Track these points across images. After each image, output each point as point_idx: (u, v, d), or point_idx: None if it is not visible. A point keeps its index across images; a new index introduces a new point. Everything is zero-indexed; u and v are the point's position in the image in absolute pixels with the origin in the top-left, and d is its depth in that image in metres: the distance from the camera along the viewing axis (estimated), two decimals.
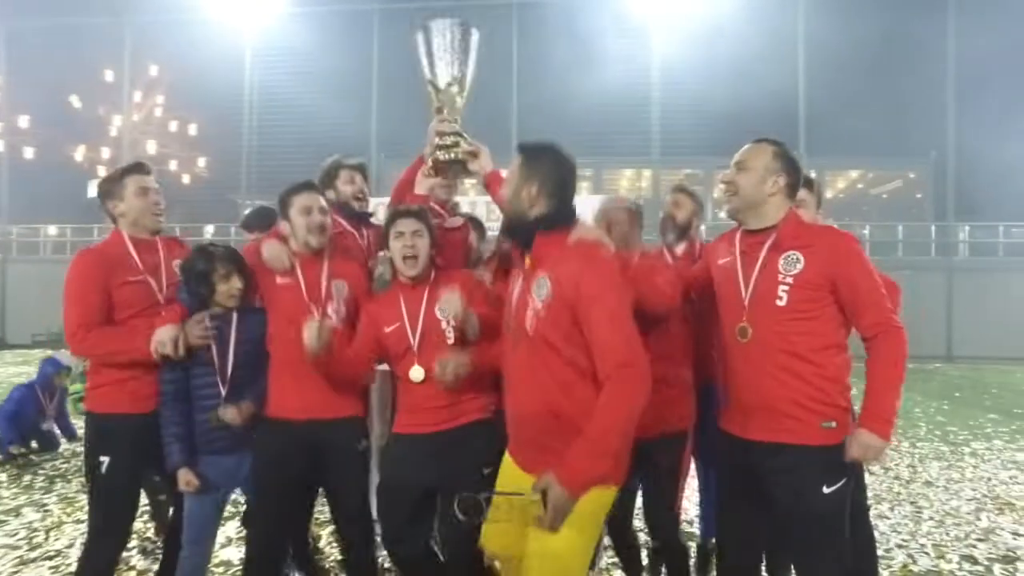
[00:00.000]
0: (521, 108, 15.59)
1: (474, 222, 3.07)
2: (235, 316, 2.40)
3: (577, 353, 1.78)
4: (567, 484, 1.69)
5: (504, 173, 2.11)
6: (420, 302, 2.35)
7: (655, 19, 16.09)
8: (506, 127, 15.29)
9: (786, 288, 1.97)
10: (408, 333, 2.32)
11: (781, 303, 1.97)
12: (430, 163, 2.48)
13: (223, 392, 2.37)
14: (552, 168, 1.89)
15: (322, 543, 3.50)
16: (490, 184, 2.37)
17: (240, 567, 2.85)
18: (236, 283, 2.38)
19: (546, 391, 1.82)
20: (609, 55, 15.72)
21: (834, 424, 1.95)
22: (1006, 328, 14.10)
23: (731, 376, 2.10)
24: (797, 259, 1.98)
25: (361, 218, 2.97)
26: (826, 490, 1.92)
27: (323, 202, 2.51)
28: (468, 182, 3.10)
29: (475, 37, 2.41)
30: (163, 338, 2.26)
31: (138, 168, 2.49)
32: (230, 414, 2.34)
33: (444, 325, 2.31)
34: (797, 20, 15.42)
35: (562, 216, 1.89)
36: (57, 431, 5.77)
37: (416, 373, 2.29)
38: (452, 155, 2.42)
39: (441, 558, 2.40)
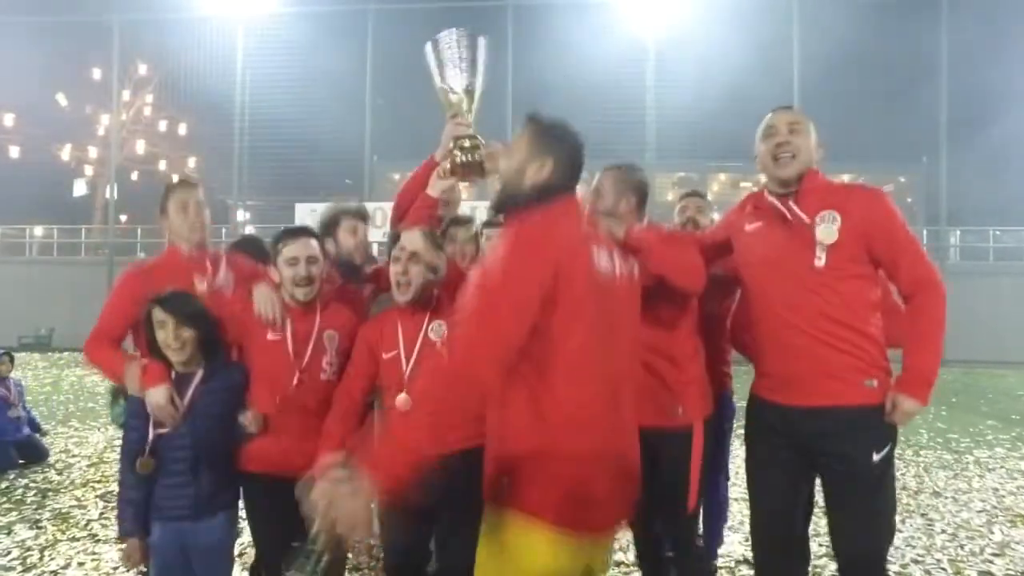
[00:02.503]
0: (516, 111, 15.50)
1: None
2: (199, 374, 2.20)
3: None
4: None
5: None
6: (419, 329, 2.25)
7: (650, 23, 16.08)
8: (501, 130, 15.21)
9: (824, 248, 1.94)
10: (402, 362, 2.24)
11: (820, 263, 1.94)
12: (448, 165, 2.46)
13: (183, 462, 2.17)
14: (566, 149, 1.69)
15: None
16: None
17: None
18: (175, 335, 2.12)
19: None
20: (604, 59, 15.69)
21: (875, 383, 1.93)
22: (996, 332, 14.21)
23: (770, 342, 2.05)
24: (833, 218, 1.95)
25: (359, 272, 2.84)
26: (875, 456, 1.90)
27: (314, 250, 2.36)
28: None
29: (482, 44, 2.43)
30: (159, 401, 2.11)
31: (180, 185, 2.56)
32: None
33: (440, 348, 2.22)
34: (791, 26, 15.46)
35: (555, 194, 1.65)
36: (36, 434, 5.62)
37: (402, 401, 2.20)
38: (471, 157, 2.40)
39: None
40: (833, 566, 2.80)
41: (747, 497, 2.24)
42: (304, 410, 2.28)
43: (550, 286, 1.48)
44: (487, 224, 2.92)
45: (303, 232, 2.40)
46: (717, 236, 2.32)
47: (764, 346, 2.09)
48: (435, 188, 2.55)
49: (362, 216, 2.90)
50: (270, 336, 2.30)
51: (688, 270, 2.07)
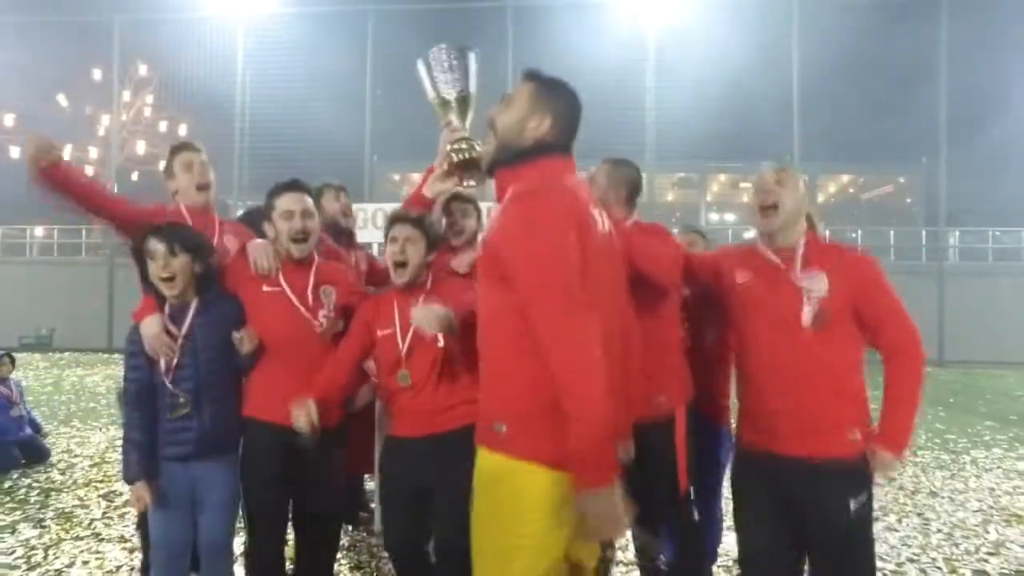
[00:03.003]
0: None
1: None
2: (193, 306, 2.20)
3: (494, 294, 1.59)
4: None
5: None
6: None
7: (650, 24, 16.11)
8: None
9: (812, 308, 1.97)
10: (398, 340, 2.31)
11: (807, 322, 1.97)
12: (445, 165, 2.55)
13: (185, 394, 2.17)
14: (567, 106, 1.68)
15: None
16: None
17: None
18: (168, 266, 2.13)
19: (480, 338, 1.67)
20: (604, 60, 15.70)
21: (858, 435, 1.98)
22: (996, 333, 14.25)
23: (756, 394, 2.08)
24: (823, 279, 1.99)
25: (350, 236, 3.04)
26: (852, 505, 1.93)
27: (309, 203, 2.44)
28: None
29: (473, 57, 2.50)
30: (152, 330, 2.15)
31: (185, 146, 2.66)
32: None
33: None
34: (791, 27, 15.49)
35: (553, 150, 1.65)
36: (36, 434, 5.65)
37: (403, 379, 2.30)
38: (466, 155, 2.47)
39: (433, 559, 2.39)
40: None
41: None
42: (300, 359, 2.32)
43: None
44: (455, 198, 2.99)
45: (296, 186, 2.44)
46: (707, 261, 2.32)
47: (750, 396, 2.11)
48: (431, 189, 2.64)
49: (343, 188, 3.10)
50: (266, 288, 2.35)
51: (663, 261, 2.15)
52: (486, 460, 1.62)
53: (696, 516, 2.70)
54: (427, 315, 2.12)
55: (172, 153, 2.65)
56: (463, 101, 2.49)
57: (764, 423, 2.05)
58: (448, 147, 2.52)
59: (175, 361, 2.18)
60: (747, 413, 2.14)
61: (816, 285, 1.98)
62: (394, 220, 2.39)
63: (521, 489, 1.52)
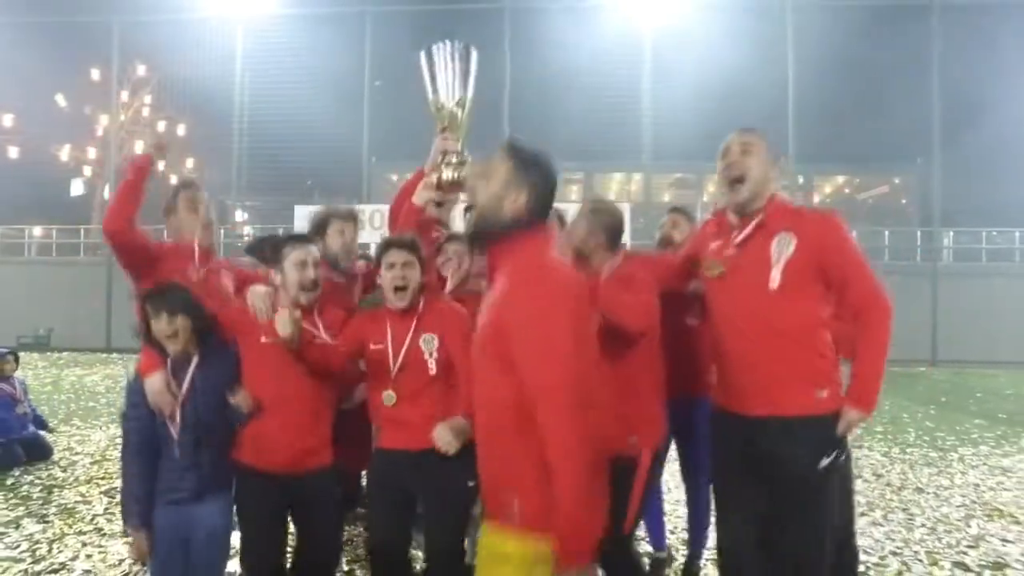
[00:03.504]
0: (513, 112, 15.63)
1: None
2: (195, 359, 2.29)
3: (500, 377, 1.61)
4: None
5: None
6: (407, 331, 2.42)
7: (646, 26, 16.22)
8: (498, 131, 15.32)
9: (779, 270, 2.03)
10: (390, 358, 2.40)
11: (774, 285, 2.03)
12: (435, 180, 2.58)
13: (179, 440, 2.26)
14: (543, 180, 1.70)
15: None
16: None
17: None
18: (171, 325, 2.24)
19: (480, 412, 1.71)
20: (600, 61, 15.83)
21: (825, 393, 2.03)
22: (989, 332, 14.38)
23: (727, 355, 2.15)
24: (788, 241, 2.04)
25: (347, 273, 3.01)
26: (822, 462, 1.98)
27: (317, 256, 2.51)
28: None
29: (474, 57, 2.53)
30: (156, 387, 2.21)
31: (189, 185, 2.75)
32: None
33: (426, 356, 2.39)
34: (786, 29, 15.62)
35: (532, 223, 1.69)
36: (41, 433, 5.70)
37: (388, 398, 2.41)
38: (457, 175, 2.53)
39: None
40: None
41: None
42: (297, 407, 2.39)
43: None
44: (450, 239, 3.00)
45: (308, 239, 2.58)
46: (689, 252, 2.42)
47: (722, 358, 2.18)
48: (419, 197, 2.66)
49: (352, 218, 3.04)
50: (264, 340, 2.37)
51: (634, 314, 2.17)
52: (487, 535, 1.66)
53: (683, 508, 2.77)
54: (446, 437, 2.24)
55: (177, 191, 2.73)
56: (460, 106, 2.55)
57: (735, 385, 2.13)
58: (440, 159, 2.57)
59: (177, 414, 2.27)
60: (720, 377, 2.21)
61: (783, 248, 2.03)
62: (390, 245, 2.44)
63: (530, 555, 1.58)
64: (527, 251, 1.66)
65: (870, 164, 22.95)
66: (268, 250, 2.52)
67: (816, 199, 24.91)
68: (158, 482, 2.27)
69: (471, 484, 2.22)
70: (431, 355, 2.38)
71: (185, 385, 2.27)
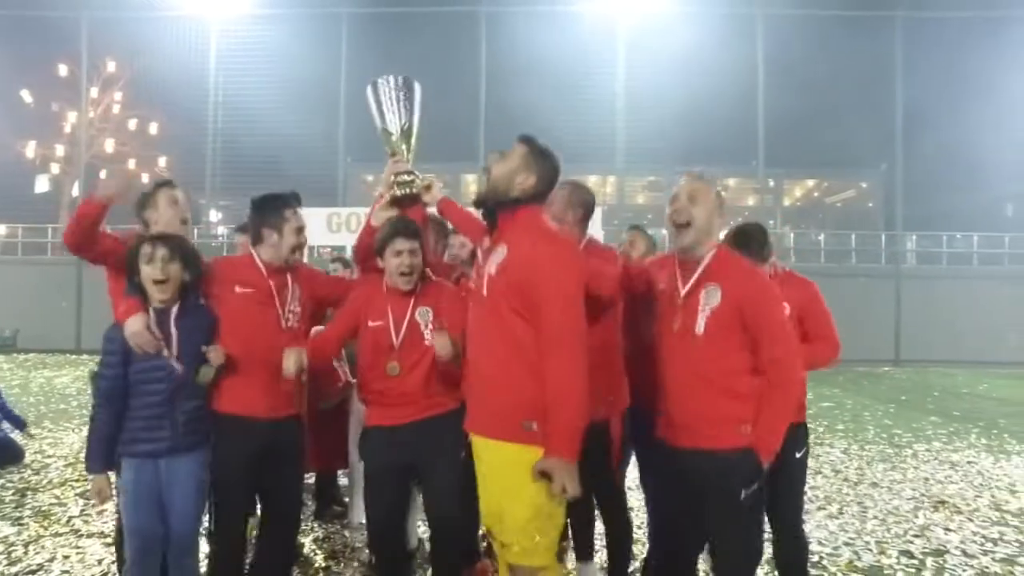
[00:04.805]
0: (489, 116, 15.73)
1: (435, 222, 3.20)
2: (174, 311, 2.37)
3: (520, 320, 2.01)
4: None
5: (472, 187, 2.40)
6: (406, 309, 2.61)
7: (620, 32, 16.47)
8: (474, 134, 15.41)
9: (704, 318, 2.16)
10: (392, 333, 2.58)
11: (699, 331, 2.16)
12: (388, 198, 2.78)
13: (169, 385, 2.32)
14: (550, 171, 2.14)
15: (305, 550, 3.61)
16: (443, 210, 2.81)
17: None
18: (164, 271, 2.30)
19: (493, 350, 2.05)
20: (575, 65, 16.04)
21: (748, 429, 2.15)
22: (950, 333, 14.88)
23: (661, 390, 2.30)
24: (715, 291, 2.16)
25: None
26: (743, 493, 2.12)
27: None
28: None
29: (418, 89, 2.78)
30: (136, 327, 2.29)
31: (168, 184, 2.81)
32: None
33: (423, 329, 2.59)
34: (756, 38, 16.01)
35: (531, 203, 2.13)
36: (12, 436, 5.58)
37: (392, 368, 2.57)
38: (408, 191, 2.75)
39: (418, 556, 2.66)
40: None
41: None
42: (270, 356, 2.50)
43: None
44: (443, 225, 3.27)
45: (298, 202, 2.74)
46: (643, 272, 2.55)
47: (657, 392, 2.31)
48: (377, 218, 2.80)
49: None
50: (238, 289, 2.58)
51: (607, 279, 2.43)
52: (518, 453, 1.99)
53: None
54: (446, 344, 2.40)
55: (157, 188, 2.78)
56: (406, 132, 2.76)
57: (664, 418, 2.29)
58: (391, 179, 2.76)
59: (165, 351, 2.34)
60: (654, 409, 2.36)
61: (710, 299, 2.16)
62: (396, 234, 2.59)
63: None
64: (532, 221, 2.08)
65: (838, 168, 23.58)
66: (269, 208, 2.67)
67: (787, 202, 25.49)
68: (130, 434, 2.30)
69: (464, 455, 2.36)
70: (426, 326, 2.59)
71: (165, 335, 2.33)
